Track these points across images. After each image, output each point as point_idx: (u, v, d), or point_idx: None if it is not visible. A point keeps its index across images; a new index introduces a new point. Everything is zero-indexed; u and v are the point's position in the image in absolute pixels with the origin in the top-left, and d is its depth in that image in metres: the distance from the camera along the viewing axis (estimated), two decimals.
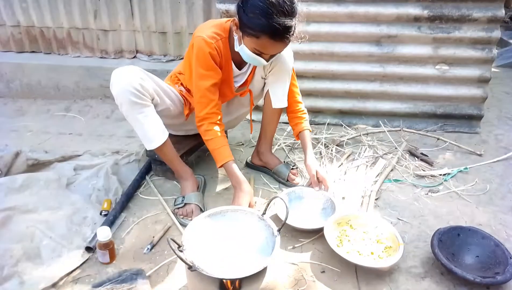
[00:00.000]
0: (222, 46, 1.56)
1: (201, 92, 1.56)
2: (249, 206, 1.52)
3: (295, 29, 1.39)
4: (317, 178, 1.69)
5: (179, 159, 1.70)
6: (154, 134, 1.56)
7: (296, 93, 1.80)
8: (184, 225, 1.54)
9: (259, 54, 1.45)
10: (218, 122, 1.60)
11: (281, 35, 1.36)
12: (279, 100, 1.74)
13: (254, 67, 1.71)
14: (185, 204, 1.61)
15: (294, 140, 2.23)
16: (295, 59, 2.36)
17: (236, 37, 1.50)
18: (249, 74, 1.71)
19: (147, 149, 1.61)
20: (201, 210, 1.60)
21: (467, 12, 2.19)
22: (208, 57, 1.52)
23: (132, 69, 1.50)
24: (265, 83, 1.77)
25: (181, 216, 1.60)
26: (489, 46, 2.26)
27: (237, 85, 1.73)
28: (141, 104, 1.50)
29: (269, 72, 1.70)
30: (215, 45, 1.53)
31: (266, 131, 1.86)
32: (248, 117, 2.48)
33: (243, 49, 1.46)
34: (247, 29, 1.38)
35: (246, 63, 1.66)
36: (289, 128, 2.32)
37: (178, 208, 1.62)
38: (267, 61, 1.49)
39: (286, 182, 1.83)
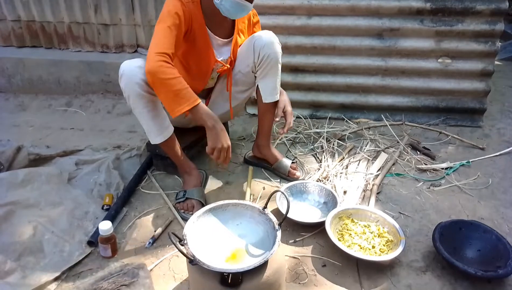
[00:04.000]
0: (194, 9, 1.52)
1: (159, 32, 1.42)
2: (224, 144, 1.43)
3: None
4: (284, 112, 1.72)
5: (183, 154, 1.69)
6: (160, 128, 1.56)
7: None
8: (185, 220, 1.55)
9: None
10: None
11: None
12: (269, 95, 1.70)
13: (235, 40, 1.68)
14: (186, 198, 1.61)
15: (295, 134, 2.23)
16: (296, 53, 2.36)
17: None
18: (232, 48, 1.68)
19: (152, 143, 1.60)
20: (202, 205, 1.60)
21: (470, 5, 2.17)
22: (173, 3, 1.45)
23: (140, 62, 1.49)
24: (255, 77, 1.74)
25: (182, 211, 1.60)
26: (492, 39, 2.23)
27: (220, 57, 1.67)
28: (148, 97, 1.50)
29: (258, 66, 1.65)
30: (186, 5, 1.48)
31: (262, 126, 1.84)
32: (249, 111, 2.50)
33: None
34: None
35: (232, 32, 1.66)
36: None
37: (179, 202, 1.62)
38: (251, 2, 1.48)
39: (287, 177, 1.83)
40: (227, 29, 1.67)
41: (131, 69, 1.46)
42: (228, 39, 1.68)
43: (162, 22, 1.44)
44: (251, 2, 1.50)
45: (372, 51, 2.33)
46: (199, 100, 1.41)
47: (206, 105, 1.78)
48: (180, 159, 1.68)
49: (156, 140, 1.58)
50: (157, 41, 1.40)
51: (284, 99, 1.76)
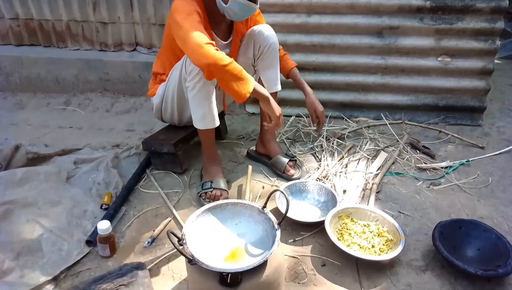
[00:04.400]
0: (200, 11, 1.52)
1: (192, 26, 1.39)
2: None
3: None
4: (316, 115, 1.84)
5: (215, 144, 1.73)
6: (215, 115, 1.60)
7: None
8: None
9: None
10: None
11: None
12: (273, 84, 1.76)
13: (234, 42, 1.71)
14: (214, 188, 1.64)
15: (295, 133, 2.22)
16: (295, 51, 2.36)
17: None
18: (231, 49, 1.72)
19: (203, 128, 1.61)
20: (227, 194, 1.66)
21: (470, 3, 2.16)
22: (190, 2, 1.46)
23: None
24: (255, 71, 1.79)
25: (208, 200, 1.61)
26: (492, 38, 2.23)
27: None
28: (215, 83, 1.54)
29: (258, 58, 1.72)
30: (198, 5, 1.49)
31: (266, 118, 1.85)
32: (248, 110, 2.50)
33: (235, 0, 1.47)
34: None
35: (231, 33, 1.69)
36: (289, 120, 2.31)
37: (206, 192, 1.64)
38: (257, 3, 1.53)
39: (282, 174, 1.83)
40: (225, 30, 1.69)
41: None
42: (227, 41, 1.70)
43: (189, 17, 1.42)
44: (257, 3, 1.54)
45: (371, 49, 2.32)
46: (253, 82, 1.45)
47: None
48: (213, 148, 1.72)
49: (209, 124, 1.60)
50: (197, 34, 1.37)
51: (312, 100, 1.83)
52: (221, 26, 1.66)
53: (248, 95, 1.41)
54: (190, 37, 1.37)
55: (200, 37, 1.36)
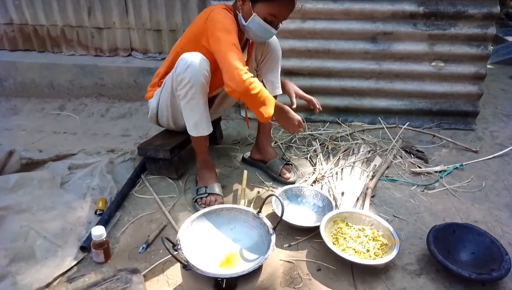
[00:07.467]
0: (236, 26, 1.55)
1: (232, 47, 1.46)
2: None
3: None
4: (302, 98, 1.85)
5: (208, 150, 1.73)
6: (209, 121, 1.61)
7: None
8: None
9: (271, 22, 1.51)
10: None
11: None
12: (275, 88, 1.80)
13: (249, 55, 1.74)
14: (209, 194, 1.64)
15: (291, 138, 2.23)
16: (290, 56, 2.37)
17: (240, 14, 1.53)
18: (246, 60, 1.74)
19: (196, 135, 1.61)
20: (223, 199, 1.66)
21: (462, 9, 2.19)
22: (231, 17, 1.50)
23: (201, 55, 1.51)
24: (257, 75, 1.81)
25: (203, 205, 1.61)
26: (485, 43, 2.25)
27: None
28: (207, 90, 1.55)
29: (261, 62, 1.76)
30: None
31: (264, 124, 1.87)
32: (243, 114, 2.50)
33: (255, 20, 1.50)
34: None
35: (245, 47, 1.70)
36: None
37: (201, 197, 1.64)
38: (276, 29, 1.56)
39: (278, 177, 1.83)
40: (243, 45, 1.72)
41: (198, 60, 1.48)
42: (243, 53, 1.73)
43: (229, 35, 1.46)
44: (276, 29, 1.58)
45: (366, 54, 2.34)
46: (273, 99, 1.54)
47: (212, 104, 1.82)
48: (206, 154, 1.72)
49: (201, 132, 1.60)
50: (235, 57, 1.43)
51: (292, 86, 1.87)
52: (242, 41, 1.67)
53: (269, 117, 1.50)
54: (229, 58, 1.42)
55: (237, 61, 1.42)
